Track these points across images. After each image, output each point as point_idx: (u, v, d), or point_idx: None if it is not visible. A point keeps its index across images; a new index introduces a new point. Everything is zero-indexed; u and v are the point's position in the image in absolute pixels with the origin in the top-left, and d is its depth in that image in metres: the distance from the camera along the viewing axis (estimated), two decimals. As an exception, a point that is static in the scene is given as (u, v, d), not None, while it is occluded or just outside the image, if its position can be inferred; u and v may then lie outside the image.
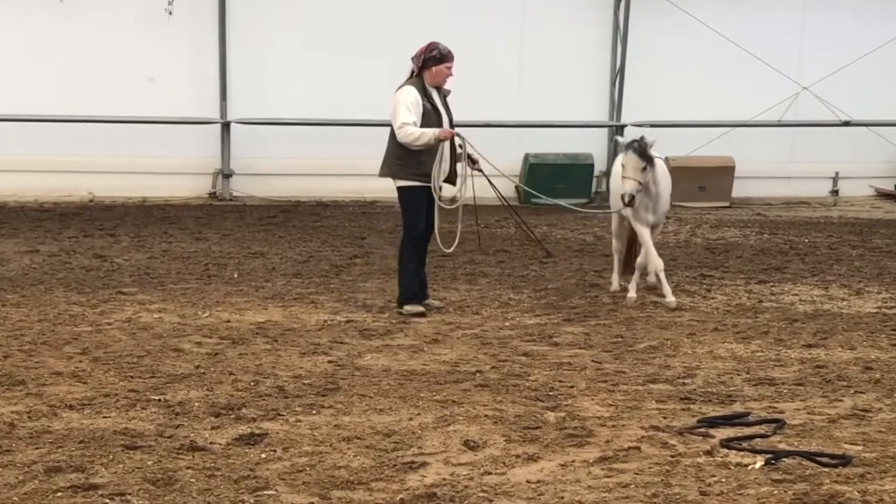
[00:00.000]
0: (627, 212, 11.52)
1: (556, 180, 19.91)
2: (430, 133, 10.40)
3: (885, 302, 11.84)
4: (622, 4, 21.11)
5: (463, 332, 10.11)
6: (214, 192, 20.24)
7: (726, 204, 20.93)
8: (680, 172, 20.29)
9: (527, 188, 12.24)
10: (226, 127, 20.12)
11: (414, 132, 10.40)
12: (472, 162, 10.91)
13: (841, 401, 7.99)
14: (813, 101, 21.51)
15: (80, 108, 19.13)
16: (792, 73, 21.37)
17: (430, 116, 10.54)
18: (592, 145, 21.21)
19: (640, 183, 10.99)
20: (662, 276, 11.51)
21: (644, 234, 11.47)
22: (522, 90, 20.50)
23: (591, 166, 20.81)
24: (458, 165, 10.76)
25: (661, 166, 11.58)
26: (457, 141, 10.71)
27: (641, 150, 10.98)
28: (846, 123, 21.78)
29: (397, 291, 11.03)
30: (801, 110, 21.69)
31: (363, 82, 19.81)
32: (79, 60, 19.36)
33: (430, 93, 10.62)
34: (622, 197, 11.04)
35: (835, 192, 22.50)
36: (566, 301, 11.64)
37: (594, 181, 20.95)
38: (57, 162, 19.14)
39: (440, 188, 10.64)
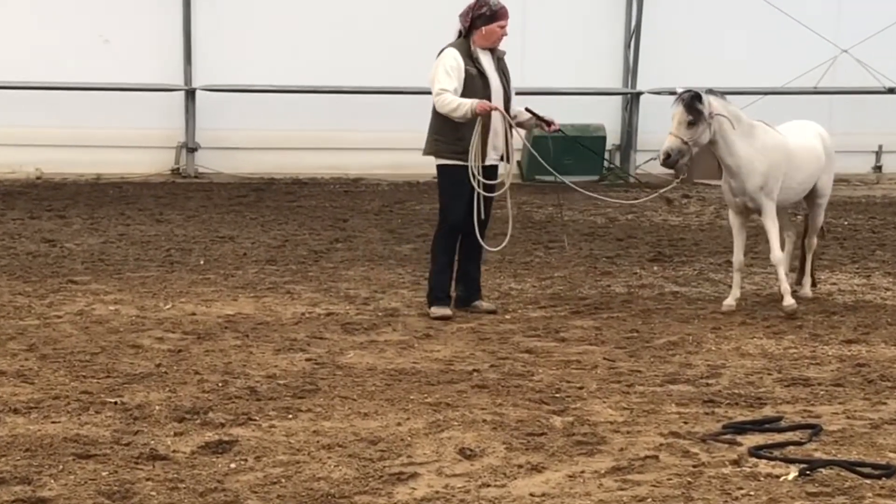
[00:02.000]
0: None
1: (564, 154, 19.87)
2: (468, 105, 10.13)
3: (935, 292, 11.88)
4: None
5: (458, 326, 10.11)
6: (177, 168, 20.25)
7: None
8: (703, 147, 20.41)
9: (541, 159, 12.00)
10: (190, 95, 20.10)
11: (452, 101, 10.13)
12: (547, 124, 10.74)
13: (885, 403, 8.00)
14: (853, 65, 21.52)
15: (23, 74, 19.08)
16: (829, 33, 21.35)
17: (476, 83, 10.29)
18: (605, 115, 21.20)
19: (683, 142, 10.38)
20: (779, 271, 10.91)
21: (764, 224, 10.86)
22: (526, 53, 20.46)
23: (603, 139, 20.78)
24: (510, 142, 10.52)
25: (748, 133, 10.74)
26: (495, 117, 10.34)
27: (689, 101, 10.36)
28: (891, 91, 21.80)
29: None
30: (839, 75, 21.70)
31: (346, 44, 19.81)
32: (22, 20, 19.29)
33: (477, 56, 10.36)
34: (659, 155, 10.81)
35: (878, 168, 22.56)
36: (574, 291, 11.66)
37: (607, 155, 20.93)
38: (1, 134, 19.09)
39: (480, 170, 10.32)
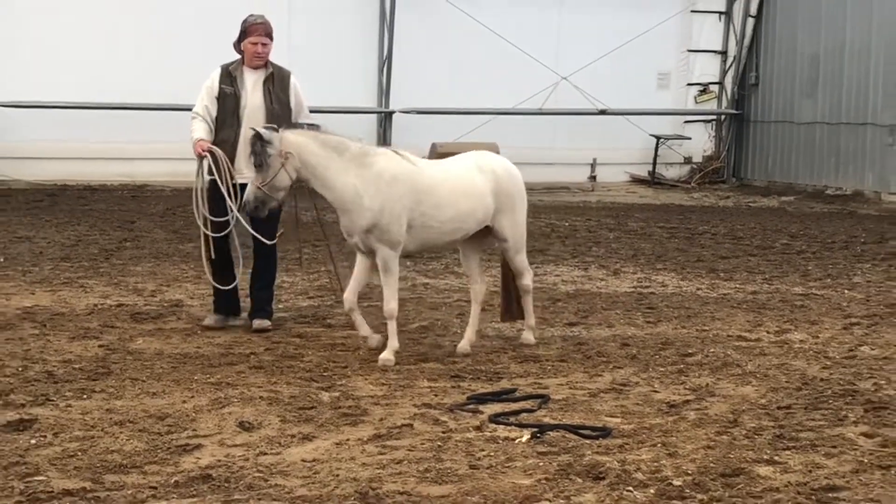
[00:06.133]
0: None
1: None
2: (193, 140, 9.08)
3: (641, 282, 12.24)
4: (388, -7, 21.24)
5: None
6: (-23, 175, 19.50)
7: (491, 189, 21.27)
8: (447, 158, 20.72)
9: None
10: (-13, 110, 19.39)
11: (192, 130, 9.16)
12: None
13: (601, 376, 8.21)
14: (571, 90, 22.09)
15: None
16: (551, 63, 21.87)
17: (228, 102, 9.14)
18: (364, 131, 21.23)
19: (258, 187, 8.23)
20: (389, 325, 8.58)
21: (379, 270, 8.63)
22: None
23: (361, 151, 20.83)
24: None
25: (358, 162, 8.35)
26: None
27: (252, 142, 8.21)
28: (602, 112, 22.44)
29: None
30: (560, 99, 22.23)
31: (131, 64, 19.45)
32: None
33: (238, 74, 9.20)
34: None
35: (593, 178, 23.14)
36: (341, 283, 11.61)
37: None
38: None
39: (205, 210, 9.10)
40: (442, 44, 21.40)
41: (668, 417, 7.13)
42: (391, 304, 8.49)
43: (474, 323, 8.94)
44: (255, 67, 9.23)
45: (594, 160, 23.05)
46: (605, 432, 6.75)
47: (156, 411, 7.05)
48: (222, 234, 9.16)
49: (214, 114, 9.21)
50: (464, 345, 8.82)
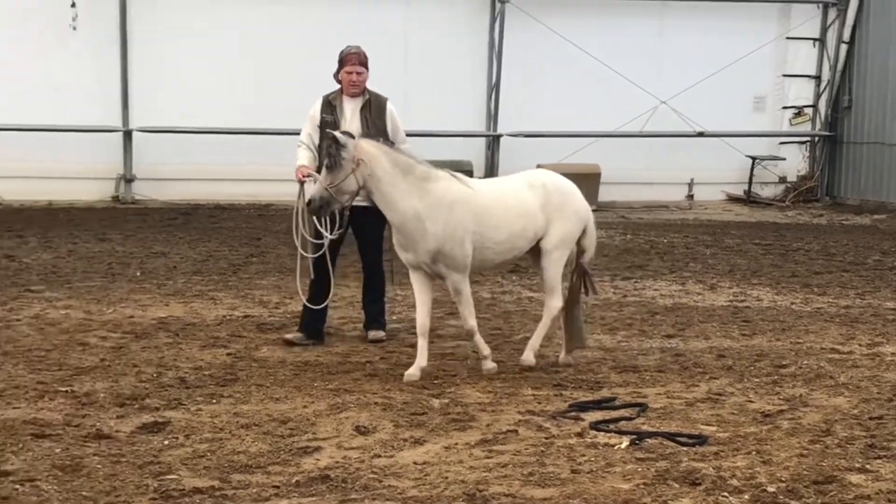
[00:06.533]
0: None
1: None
2: (296, 166, 9.03)
3: (736, 296, 12.07)
4: (497, 24, 21.26)
5: (354, 325, 10.07)
6: (117, 196, 19.95)
7: (593, 207, 21.07)
8: (551, 178, 20.72)
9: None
10: (127, 135, 19.88)
11: (297, 156, 9.13)
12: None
13: (697, 386, 8.13)
14: (670, 113, 21.90)
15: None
16: (651, 88, 21.71)
17: (328, 131, 8.61)
18: (473, 153, 21.31)
19: (325, 188, 8.00)
20: (475, 339, 8.46)
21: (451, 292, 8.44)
22: (409, 102, 20.54)
23: (470, 173, 20.85)
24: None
25: (419, 185, 8.06)
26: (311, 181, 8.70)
27: (329, 143, 8.04)
28: (700, 134, 22.20)
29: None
30: (659, 122, 22.05)
31: (258, 91, 19.77)
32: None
33: (338, 103, 9.11)
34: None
35: (690, 197, 22.89)
36: (449, 296, 11.63)
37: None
38: (-34, 167, 18.77)
39: (306, 233, 8.90)
40: (547, 70, 21.36)
41: (763, 426, 7.03)
42: (470, 322, 8.27)
43: (541, 331, 8.57)
44: (353, 96, 9.15)
45: (692, 180, 22.82)
46: (701, 440, 6.68)
47: (279, 415, 7.14)
48: (317, 255, 9.00)
49: (317, 141, 9.10)
50: (527, 355, 8.52)
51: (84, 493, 5.72)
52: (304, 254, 8.95)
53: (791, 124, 23.60)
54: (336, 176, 7.90)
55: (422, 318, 8.23)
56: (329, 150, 7.93)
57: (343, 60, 9.10)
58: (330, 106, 9.15)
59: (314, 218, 8.68)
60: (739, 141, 22.60)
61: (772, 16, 22.85)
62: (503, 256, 8.41)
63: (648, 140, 22.11)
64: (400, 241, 8.18)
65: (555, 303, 8.50)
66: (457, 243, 8.02)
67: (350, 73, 9.06)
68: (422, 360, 8.20)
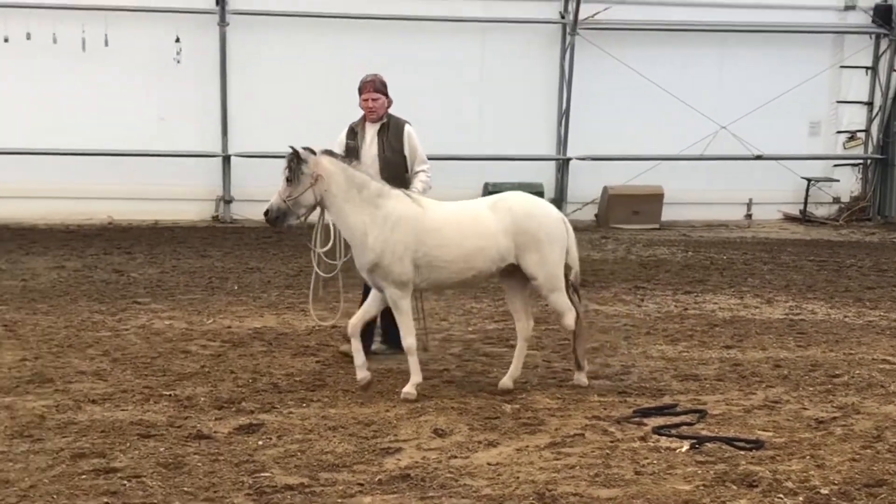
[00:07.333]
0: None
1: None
2: None
3: (792, 310, 11.91)
4: (567, 54, 21.22)
5: (433, 335, 10.09)
6: (217, 216, 20.18)
7: (656, 226, 21.01)
8: (617, 199, 20.76)
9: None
10: (226, 159, 20.12)
11: None
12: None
13: (754, 394, 8.05)
14: (730, 137, 21.70)
15: (101, 143, 19.23)
16: (711, 113, 21.53)
17: (350, 156, 8.55)
18: (544, 175, 21.28)
19: (283, 200, 7.88)
20: (410, 360, 7.91)
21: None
22: (484, 128, 20.60)
23: (541, 194, 20.84)
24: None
25: (372, 201, 7.81)
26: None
27: (289, 157, 7.82)
28: (758, 157, 21.96)
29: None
30: (719, 146, 21.86)
31: (342, 119, 19.89)
32: (101, 103, 19.38)
33: (360, 129, 8.98)
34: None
35: (749, 216, 22.64)
36: (547, 312, 11.62)
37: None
38: (81, 189, 19.18)
39: (316, 253, 8.68)
40: (614, 97, 21.26)
41: (817, 432, 6.94)
42: (408, 340, 7.81)
43: (519, 357, 8.13)
44: (373, 121, 8.95)
45: (750, 200, 22.56)
46: (758, 444, 6.62)
47: (363, 418, 7.19)
48: (332, 274, 8.69)
49: None
50: (505, 381, 8.02)
51: (185, 488, 5.81)
52: (319, 272, 8.67)
53: (845, 148, 23.25)
54: (295, 189, 7.72)
55: (355, 319, 7.98)
56: (290, 163, 7.71)
57: (361, 89, 8.93)
58: (353, 132, 9.02)
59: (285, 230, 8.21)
60: (795, 164, 22.33)
61: (826, 46, 22.54)
62: (461, 276, 7.87)
63: (709, 163, 21.90)
64: (355, 258, 7.95)
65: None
66: (395, 259, 7.66)
67: (367, 100, 8.90)
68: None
